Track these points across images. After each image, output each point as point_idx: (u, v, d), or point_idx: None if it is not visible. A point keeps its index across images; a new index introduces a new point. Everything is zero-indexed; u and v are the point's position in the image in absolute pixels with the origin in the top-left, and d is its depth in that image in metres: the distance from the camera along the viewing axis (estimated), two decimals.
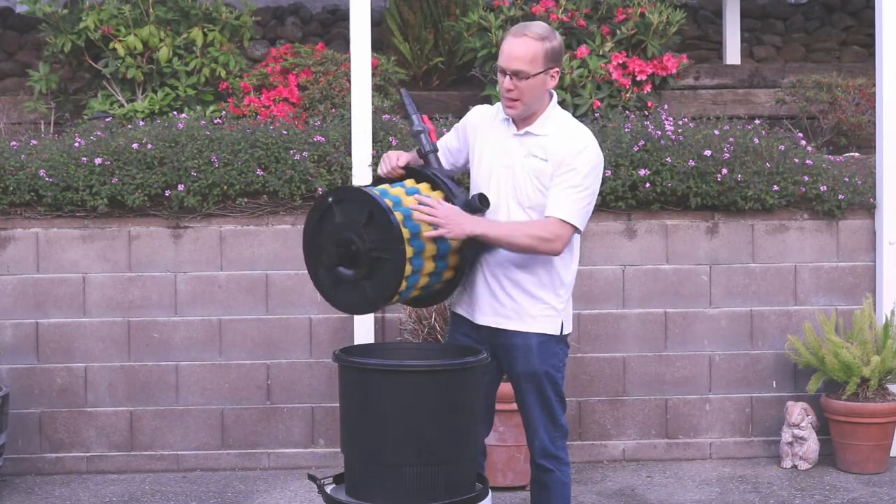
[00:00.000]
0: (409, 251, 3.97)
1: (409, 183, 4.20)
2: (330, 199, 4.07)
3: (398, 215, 3.97)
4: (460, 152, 4.39)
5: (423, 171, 4.21)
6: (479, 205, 4.12)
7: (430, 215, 3.98)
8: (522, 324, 4.21)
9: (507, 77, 4.10)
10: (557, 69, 4.18)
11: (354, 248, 4.00)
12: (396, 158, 4.25)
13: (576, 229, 4.11)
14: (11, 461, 6.25)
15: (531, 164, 4.15)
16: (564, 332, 4.29)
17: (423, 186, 4.18)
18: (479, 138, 4.30)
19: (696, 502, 5.81)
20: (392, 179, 4.25)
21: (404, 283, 4.02)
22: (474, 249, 4.17)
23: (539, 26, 4.15)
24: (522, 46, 4.09)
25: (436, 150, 4.27)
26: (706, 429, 6.54)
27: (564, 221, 4.07)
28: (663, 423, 6.53)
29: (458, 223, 3.99)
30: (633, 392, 6.51)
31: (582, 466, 6.40)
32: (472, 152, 4.33)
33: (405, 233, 3.96)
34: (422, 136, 4.25)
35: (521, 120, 4.21)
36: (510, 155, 4.19)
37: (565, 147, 4.12)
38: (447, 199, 4.14)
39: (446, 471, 3.98)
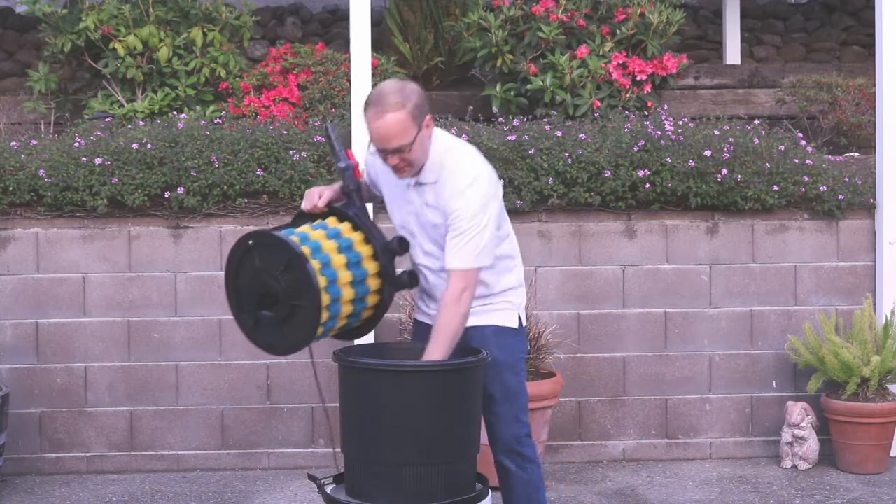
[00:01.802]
0: (325, 298, 4.00)
1: (332, 223, 4.20)
2: (250, 242, 4.11)
3: (315, 263, 3.99)
4: (371, 188, 4.43)
5: (345, 212, 4.21)
6: (396, 248, 4.15)
7: None
8: (474, 319, 4.22)
9: (389, 155, 4.07)
10: (428, 117, 4.10)
11: (273, 293, 4.04)
12: (318, 196, 4.24)
13: (478, 269, 4.09)
14: (11, 461, 6.25)
15: (430, 213, 4.17)
16: (522, 325, 4.32)
17: (345, 227, 4.18)
18: (382, 181, 4.32)
19: (696, 502, 5.81)
20: (315, 216, 4.25)
21: (321, 328, 4.05)
22: (391, 293, 4.20)
23: (391, 93, 4.03)
24: (389, 124, 4.01)
25: (359, 188, 4.26)
26: (706, 429, 6.54)
27: (462, 270, 4.06)
28: (663, 423, 6.53)
29: None
30: (633, 392, 6.51)
31: (582, 466, 6.40)
32: (382, 194, 4.36)
33: (322, 281, 3.98)
34: (346, 173, 4.24)
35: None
36: (412, 203, 4.22)
37: (447, 193, 4.09)
38: (367, 240, 4.15)
39: (446, 471, 3.98)
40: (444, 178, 4.11)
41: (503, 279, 4.27)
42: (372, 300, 4.17)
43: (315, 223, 4.21)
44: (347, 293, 4.07)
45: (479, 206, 4.06)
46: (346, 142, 4.25)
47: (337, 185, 4.30)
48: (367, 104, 4.05)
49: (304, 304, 3.99)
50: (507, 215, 4.34)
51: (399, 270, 4.24)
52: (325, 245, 4.07)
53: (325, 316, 4.02)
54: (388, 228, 4.29)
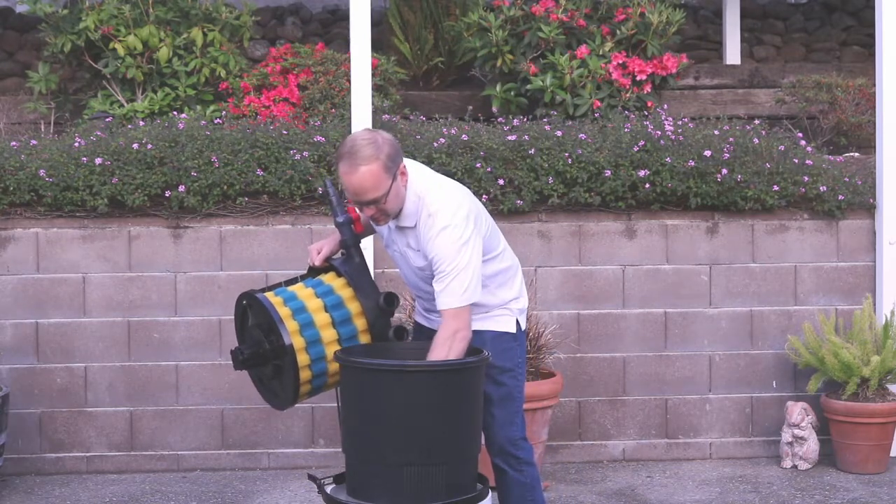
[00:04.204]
0: (305, 359, 4.07)
1: (328, 279, 4.25)
2: (244, 302, 4.22)
3: (294, 325, 4.06)
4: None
5: (340, 269, 4.24)
6: (384, 305, 4.19)
7: None
8: (476, 325, 4.24)
9: (365, 207, 4.09)
10: (402, 165, 4.10)
11: (262, 352, 4.13)
12: (317, 252, 4.30)
13: (468, 307, 4.10)
14: (11, 461, 6.25)
15: (412, 255, 4.21)
16: (521, 329, 4.33)
17: (339, 283, 4.23)
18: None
19: (696, 502, 5.81)
20: (320, 270, 4.32)
21: (308, 386, 4.12)
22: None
23: (363, 145, 4.03)
24: (363, 177, 4.01)
25: (357, 243, 4.29)
26: (706, 429, 6.55)
27: (453, 310, 4.07)
28: (663, 423, 6.53)
29: None
30: (633, 392, 6.51)
31: (582, 466, 6.40)
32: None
33: (301, 342, 4.05)
34: (343, 228, 4.28)
35: None
36: (398, 243, 4.26)
37: (425, 237, 4.11)
38: (357, 297, 4.19)
39: (446, 471, 3.98)
40: (421, 224, 4.13)
41: (500, 294, 4.29)
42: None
43: (312, 279, 4.28)
44: (333, 351, 4.12)
45: (455, 250, 4.06)
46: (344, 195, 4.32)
47: (336, 238, 4.33)
48: (340, 157, 4.06)
49: (283, 363, 4.08)
50: (499, 233, 4.36)
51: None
52: (310, 305, 4.13)
53: (307, 375, 4.10)
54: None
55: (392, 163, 4.05)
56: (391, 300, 4.20)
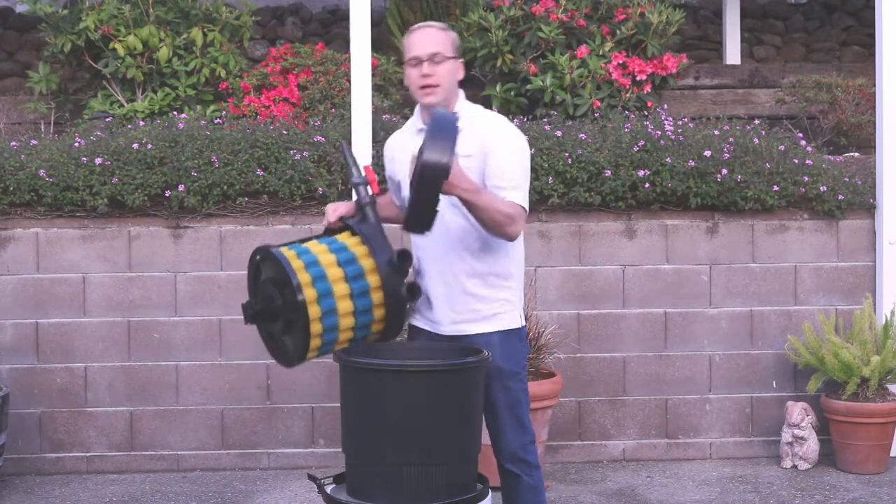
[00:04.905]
0: (316, 311, 4.04)
1: (343, 237, 4.25)
2: (257, 257, 4.22)
3: (307, 277, 4.04)
4: (394, 194, 4.46)
5: (355, 227, 4.25)
6: (395, 262, 4.15)
7: None
8: (479, 326, 4.22)
9: (423, 64, 4.14)
10: (462, 61, 4.27)
11: (273, 307, 4.12)
12: (333, 211, 4.30)
13: (525, 212, 4.13)
14: (11, 461, 6.25)
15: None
16: (522, 324, 4.31)
17: (353, 241, 4.23)
18: (399, 163, 4.34)
19: (696, 502, 5.82)
20: (336, 231, 4.32)
21: (318, 340, 4.09)
22: (396, 306, 4.18)
23: (436, 22, 4.29)
24: (431, 34, 4.18)
25: (373, 203, 4.28)
26: (706, 429, 6.55)
27: (519, 205, 4.08)
28: (663, 423, 6.53)
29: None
30: (633, 392, 6.52)
31: (582, 466, 6.40)
32: (402, 179, 4.35)
33: (313, 294, 4.03)
34: (360, 188, 4.29)
35: None
36: None
37: (485, 135, 4.13)
38: (371, 254, 4.18)
39: (446, 471, 3.97)
40: (476, 127, 4.13)
41: (501, 262, 4.24)
42: (379, 313, 4.18)
43: (326, 237, 4.27)
44: (345, 306, 4.09)
45: (521, 147, 4.14)
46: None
47: (353, 201, 4.32)
48: (412, 27, 4.25)
49: (293, 317, 4.06)
50: None
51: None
52: (323, 259, 4.11)
53: (318, 328, 4.06)
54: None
55: (456, 45, 4.22)
56: (404, 258, 4.17)
